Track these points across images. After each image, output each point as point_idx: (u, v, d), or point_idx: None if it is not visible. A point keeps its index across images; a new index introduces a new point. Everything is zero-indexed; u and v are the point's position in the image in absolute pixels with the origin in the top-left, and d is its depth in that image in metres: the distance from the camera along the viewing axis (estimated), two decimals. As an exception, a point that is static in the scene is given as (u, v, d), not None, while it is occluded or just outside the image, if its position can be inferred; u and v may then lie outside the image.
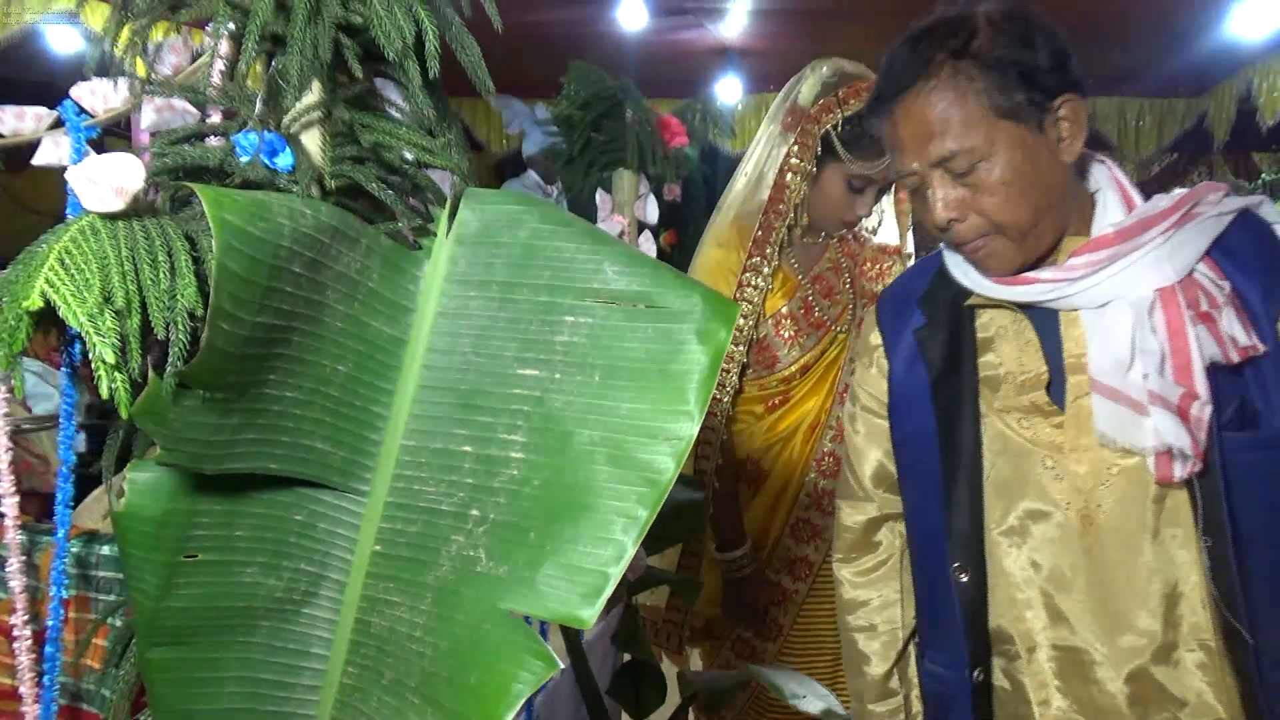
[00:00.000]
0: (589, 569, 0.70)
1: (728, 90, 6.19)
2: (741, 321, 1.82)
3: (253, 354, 0.67)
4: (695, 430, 0.73)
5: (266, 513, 0.75)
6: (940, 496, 1.12)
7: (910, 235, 2.08)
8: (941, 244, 1.13)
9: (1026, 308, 1.08)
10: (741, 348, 1.83)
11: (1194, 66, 5.82)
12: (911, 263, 2.05)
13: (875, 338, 1.21)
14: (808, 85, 1.80)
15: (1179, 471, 0.99)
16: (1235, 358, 0.98)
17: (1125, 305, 1.01)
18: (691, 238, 5.41)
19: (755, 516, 1.94)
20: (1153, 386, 0.99)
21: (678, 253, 4.97)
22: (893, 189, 1.93)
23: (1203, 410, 0.97)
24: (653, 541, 1.84)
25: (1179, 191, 1.06)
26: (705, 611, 1.99)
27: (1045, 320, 1.08)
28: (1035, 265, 1.06)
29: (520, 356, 0.77)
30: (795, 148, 1.74)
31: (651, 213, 1.62)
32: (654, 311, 0.76)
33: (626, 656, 1.69)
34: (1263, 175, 4.44)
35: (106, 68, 0.83)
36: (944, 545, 1.12)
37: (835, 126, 1.73)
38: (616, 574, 0.70)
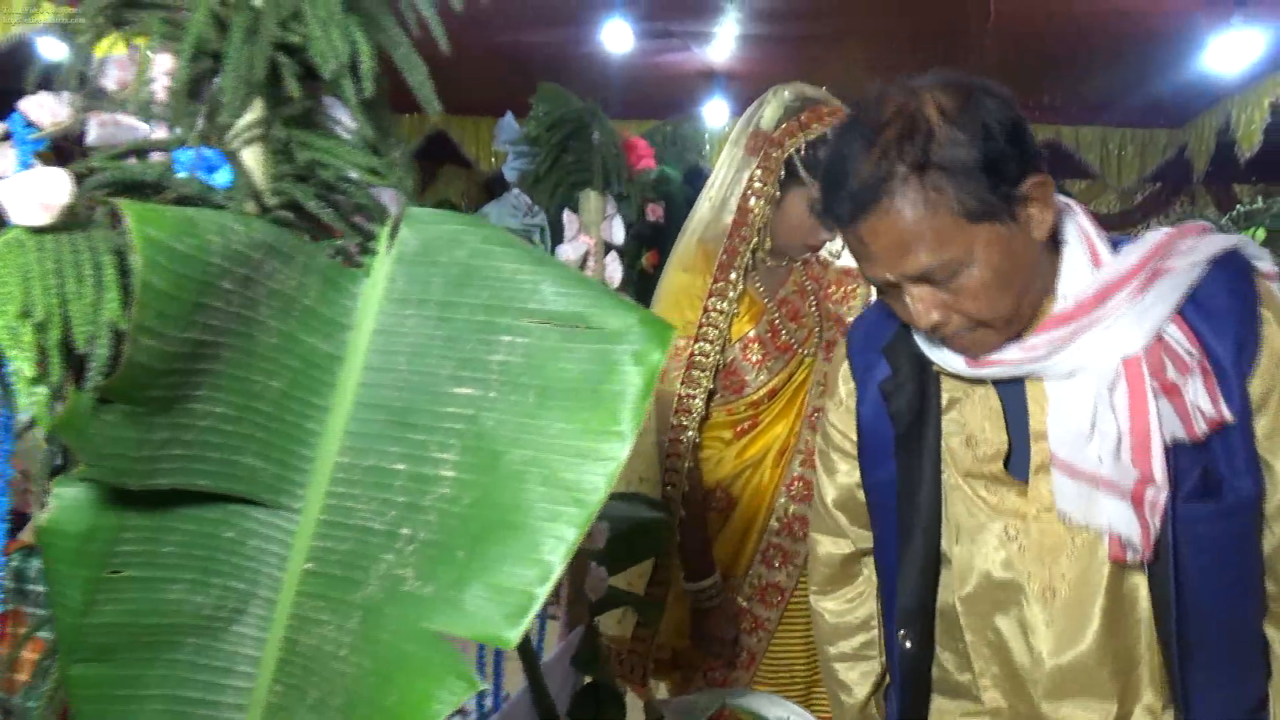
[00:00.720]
0: (515, 589, 0.70)
1: (715, 113, 6.25)
2: (707, 347, 1.82)
3: (179, 369, 0.67)
4: (626, 452, 0.73)
5: (195, 529, 0.75)
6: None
7: None
8: None
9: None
10: (708, 374, 1.83)
11: (1174, 98, 5.90)
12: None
13: (846, 378, 1.19)
14: (770, 109, 1.82)
15: (1130, 556, 0.97)
16: (1201, 430, 0.94)
17: (1088, 379, 0.96)
18: (674, 259, 5.38)
19: (725, 543, 1.93)
20: (1105, 472, 0.95)
21: (660, 273, 5.01)
22: None
23: (1158, 495, 0.94)
24: (615, 562, 1.83)
25: (1153, 237, 0.99)
26: (673, 643, 1.97)
27: (1012, 386, 1.05)
28: None
29: (456, 375, 0.77)
30: (758, 172, 1.75)
31: (618, 233, 1.62)
32: (590, 332, 0.76)
33: (587, 679, 1.69)
34: (1239, 205, 4.50)
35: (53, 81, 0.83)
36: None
37: (798, 150, 1.73)
38: (542, 594, 0.70)
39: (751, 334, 1.85)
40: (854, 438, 1.17)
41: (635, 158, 1.57)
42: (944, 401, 1.08)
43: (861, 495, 1.18)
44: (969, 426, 1.06)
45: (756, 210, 1.78)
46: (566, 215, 1.62)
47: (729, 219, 1.82)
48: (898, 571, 1.10)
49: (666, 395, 1.85)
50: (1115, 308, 0.95)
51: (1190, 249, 0.97)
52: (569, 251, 1.59)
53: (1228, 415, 0.93)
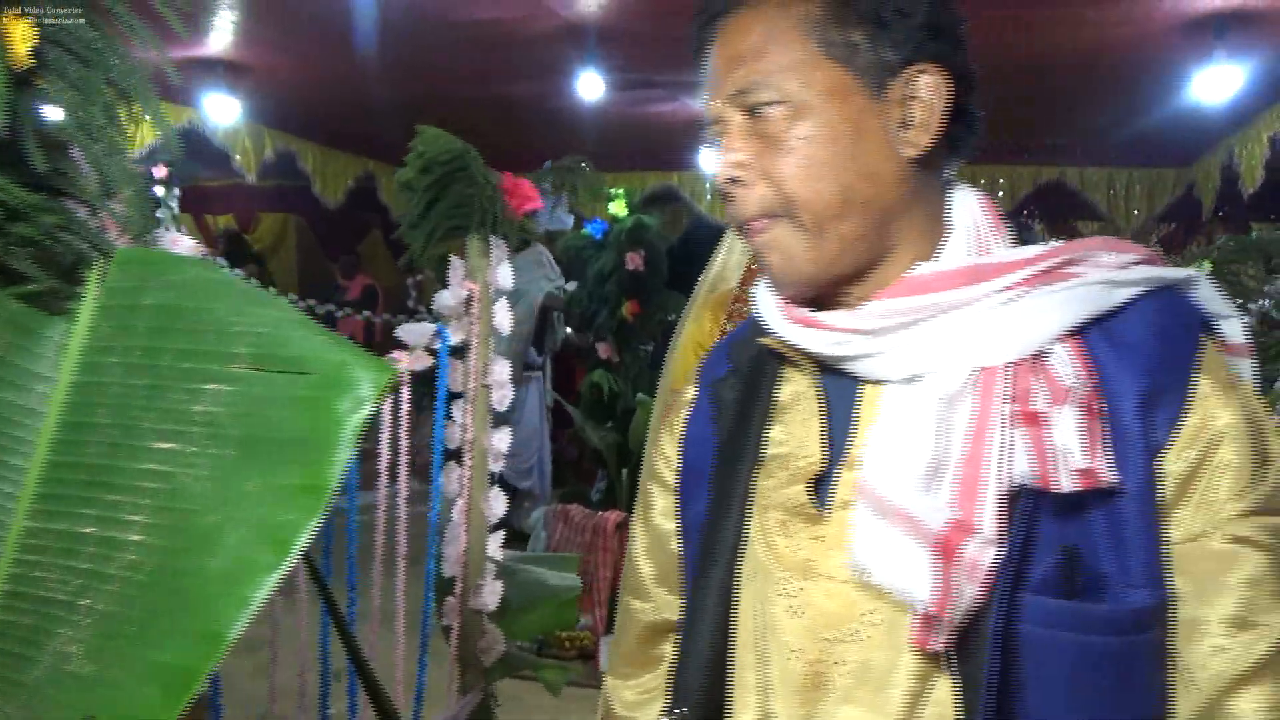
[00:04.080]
0: (178, 666, 0.63)
1: (709, 163, 6.25)
2: None
3: None
4: (326, 506, 0.66)
5: None
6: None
7: None
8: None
9: (826, 369, 0.81)
10: None
11: (1176, 136, 5.79)
12: None
13: (688, 389, 0.95)
14: None
15: (939, 638, 0.70)
16: (1064, 484, 0.69)
17: (932, 385, 0.74)
18: (655, 307, 5.34)
19: None
20: (910, 503, 0.71)
21: (641, 321, 4.95)
22: None
23: (981, 553, 0.67)
24: (520, 626, 1.74)
25: (1058, 243, 0.78)
26: None
27: (844, 391, 0.81)
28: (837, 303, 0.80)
29: (157, 428, 0.70)
30: None
31: (505, 278, 1.56)
32: (300, 379, 0.70)
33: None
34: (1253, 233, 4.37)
35: None
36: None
37: None
38: (208, 669, 0.62)
39: None
40: (677, 464, 0.93)
41: (518, 201, 1.52)
42: (772, 407, 0.86)
43: (674, 545, 0.92)
44: (791, 442, 0.83)
45: None
46: (452, 260, 1.56)
47: (745, 263, 1.71)
48: (685, 630, 0.85)
49: None
50: (986, 296, 0.74)
51: (1115, 264, 0.76)
52: (448, 298, 1.53)
53: (1107, 475, 0.68)
